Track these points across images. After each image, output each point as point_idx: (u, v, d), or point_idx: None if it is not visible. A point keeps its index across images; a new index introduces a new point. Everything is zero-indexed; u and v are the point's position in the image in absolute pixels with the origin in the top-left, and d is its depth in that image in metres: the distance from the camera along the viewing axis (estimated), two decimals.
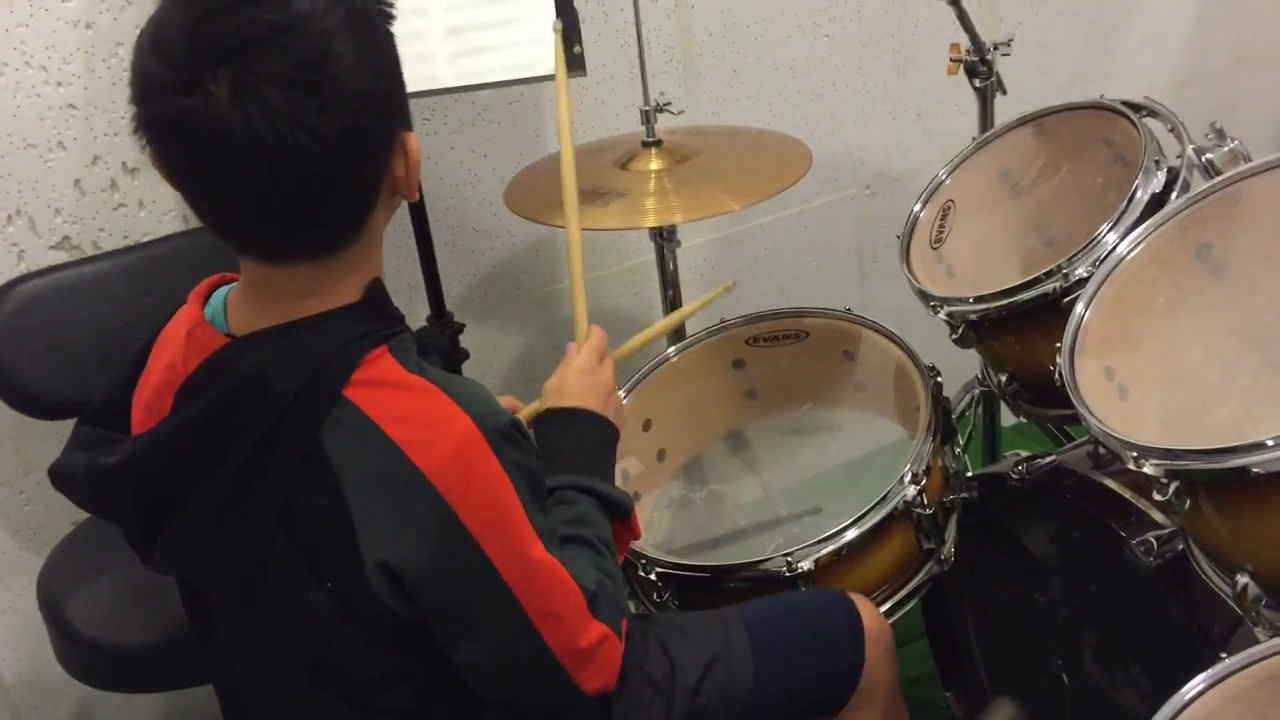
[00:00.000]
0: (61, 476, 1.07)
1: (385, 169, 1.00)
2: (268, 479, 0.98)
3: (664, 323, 1.62)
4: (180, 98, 0.90)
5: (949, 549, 1.52)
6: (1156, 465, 1.13)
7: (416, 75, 1.69)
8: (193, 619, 1.17)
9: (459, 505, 0.98)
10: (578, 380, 1.29)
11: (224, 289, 1.08)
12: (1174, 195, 1.43)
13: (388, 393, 0.99)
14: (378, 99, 0.96)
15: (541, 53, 1.65)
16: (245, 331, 1.01)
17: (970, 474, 1.59)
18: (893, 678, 1.37)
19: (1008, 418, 2.14)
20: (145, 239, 1.85)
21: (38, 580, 1.70)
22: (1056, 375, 1.30)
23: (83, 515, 1.82)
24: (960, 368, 2.07)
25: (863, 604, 1.36)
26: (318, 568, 1.01)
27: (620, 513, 1.22)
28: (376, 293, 1.04)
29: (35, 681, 2.00)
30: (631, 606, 1.55)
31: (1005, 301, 1.49)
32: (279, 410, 0.96)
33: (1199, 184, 1.41)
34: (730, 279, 1.64)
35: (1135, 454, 1.15)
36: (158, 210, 1.86)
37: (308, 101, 0.90)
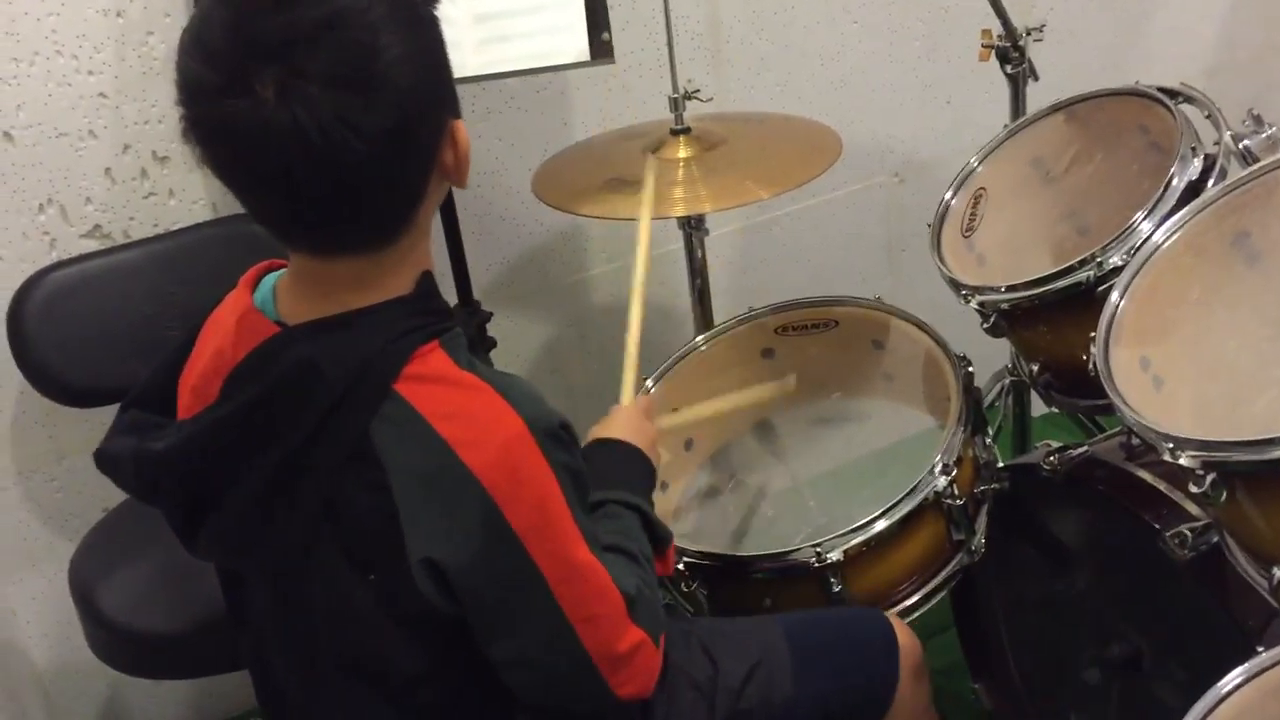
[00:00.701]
0: (107, 460, 1.07)
1: (434, 160, 0.99)
2: (314, 472, 0.97)
3: (717, 405, 1.63)
4: (227, 100, 0.89)
5: (979, 540, 1.51)
6: (1193, 457, 1.12)
7: None
8: (231, 606, 1.17)
9: (505, 505, 0.97)
10: (628, 421, 1.34)
11: (273, 275, 1.08)
12: (1211, 183, 1.41)
13: (438, 389, 0.98)
14: (425, 90, 0.95)
15: (568, 41, 1.65)
16: (295, 321, 1.01)
17: (1001, 464, 1.57)
18: (925, 696, 1.37)
19: (1037, 408, 2.12)
20: (175, 227, 1.86)
21: (69, 566, 1.71)
22: (1090, 365, 1.28)
23: (114, 502, 1.83)
24: (990, 357, 2.05)
25: (895, 622, 1.36)
26: (361, 562, 1.01)
27: (660, 543, 1.22)
28: (427, 286, 1.04)
29: (66, 667, 2.02)
30: (661, 597, 1.55)
31: (1038, 290, 1.48)
32: (328, 403, 0.96)
33: (1236, 171, 1.39)
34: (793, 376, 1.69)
35: (1171, 445, 1.13)
36: (188, 199, 1.87)
37: (354, 100, 0.89)
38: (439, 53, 0.99)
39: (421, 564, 0.98)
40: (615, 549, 1.13)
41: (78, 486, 1.92)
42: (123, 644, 1.61)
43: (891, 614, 1.39)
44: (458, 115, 1.02)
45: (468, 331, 1.85)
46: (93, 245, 1.82)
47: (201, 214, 1.88)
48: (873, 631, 1.34)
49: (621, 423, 1.34)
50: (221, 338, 1.04)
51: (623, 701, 1.09)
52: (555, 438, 1.01)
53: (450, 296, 1.90)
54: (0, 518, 1.91)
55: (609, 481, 1.22)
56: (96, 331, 1.72)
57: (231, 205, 1.88)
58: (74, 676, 2.03)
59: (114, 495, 1.82)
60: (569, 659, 1.04)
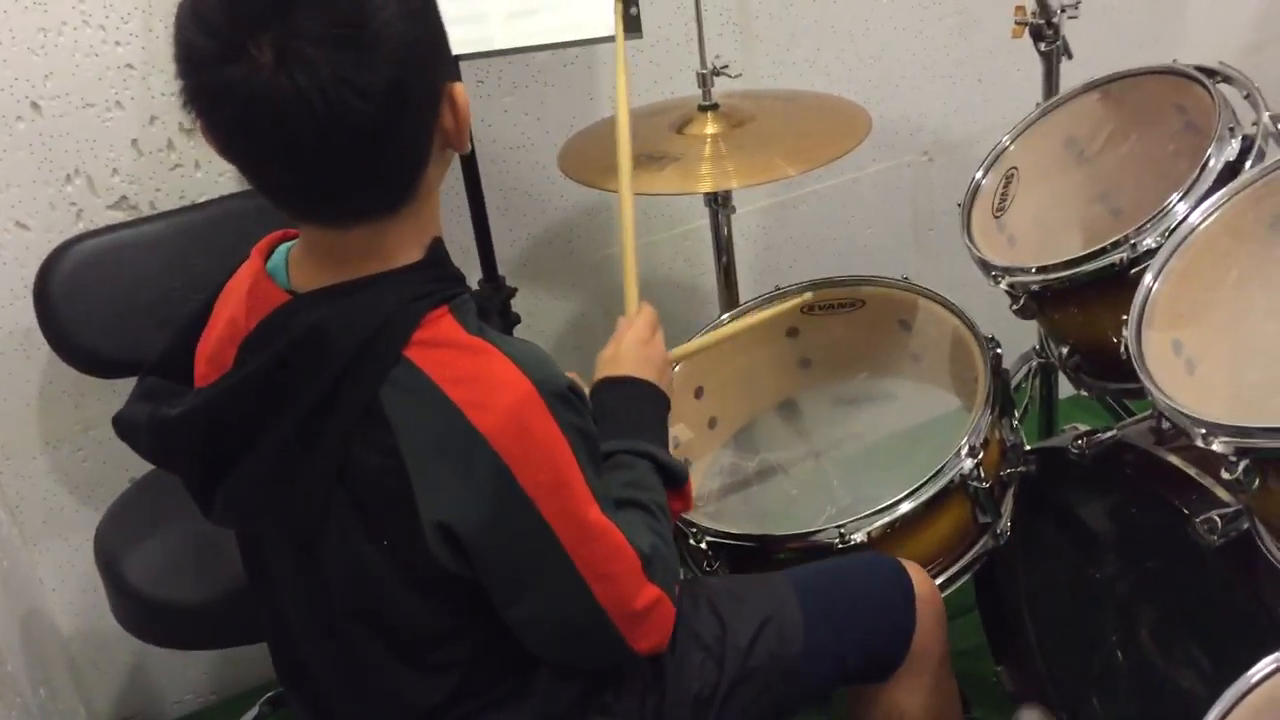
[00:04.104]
0: (125, 426, 1.09)
1: (434, 122, 1.00)
2: (326, 437, 0.98)
3: (729, 329, 1.64)
4: (225, 67, 0.89)
5: (1005, 523, 1.50)
6: (1226, 443, 1.10)
7: (472, 36, 1.67)
8: (249, 570, 1.18)
9: (516, 467, 0.98)
10: (632, 351, 1.31)
11: (287, 245, 1.08)
12: (1249, 164, 1.39)
13: (448, 353, 0.99)
14: (422, 50, 0.95)
15: (597, 14, 1.63)
16: (306, 289, 1.01)
17: (1029, 447, 1.56)
18: (943, 646, 1.36)
19: (1064, 390, 2.10)
20: (201, 199, 1.86)
21: (95, 536, 1.72)
22: (1122, 348, 1.27)
23: (140, 472, 1.84)
24: (1016, 338, 2.03)
25: (914, 570, 1.35)
26: (374, 525, 1.02)
27: (675, 481, 1.22)
28: (438, 253, 1.04)
29: (92, 635, 2.04)
30: (681, 574, 1.54)
31: (1069, 272, 1.46)
32: (339, 369, 0.96)
33: (1275, 153, 1.37)
34: (809, 295, 1.69)
35: (1204, 431, 1.12)
36: (213, 171, 1.87)
37: (351, 58, 0.89)
38: (432, 12, 0.99)
39: (434, 527, 0.99)
40: (628, 503, 1.13)
41: (104, 457, 1.94)
42: (147, 614, 1.62)
43: (909, 561, 1.36)
44: (456, 78, 1.02)
45: (492, 308, 1.85)
46: (119, 216, 1.82)
47: (227, 186, 1.88)
48: (887, 579, 1.33)
49: (627, 351, 1.31)
50: (235, 306, 1.05)
51: (640, 655, 1.10)
52: (563, 399, 1.01)
53: (475, 272, 1.90)
54: (27, 487, 1.92)
55: (617, 428, 1.21)
56: (123, 302, 1.72)
57: None
58: (99, 645, 2.05)
59: (140, 466, 1.83)
60: (587, 617, 1.05)
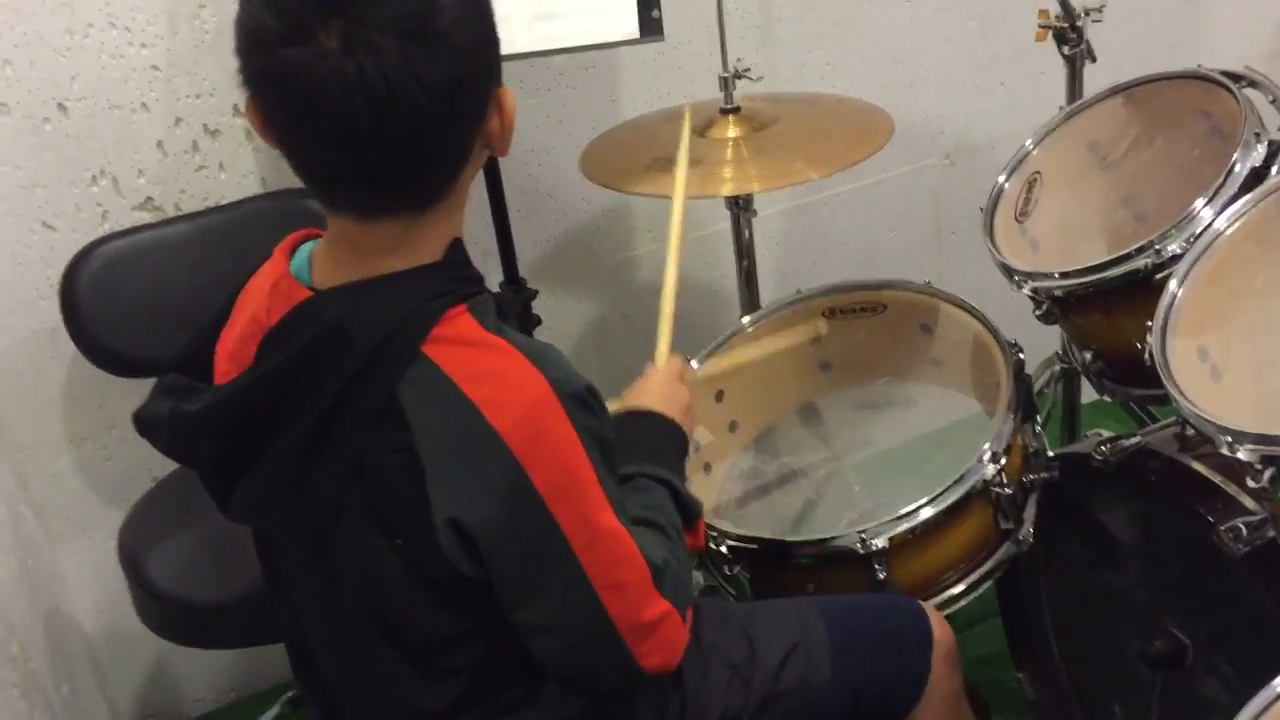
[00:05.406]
0: (145, 422, 1.09)
1: (482, 124, 1.01)
2: (343, 433, 0.99)
3: (750, 354, 1.65)
4: (289, 48, 0.90)
5: (1027, 529, 1.49)
6: (1251, 450, 1.10)
7: None
8: (267, 569, 1.19)
9: (530, 466, 0.98)
10: (659, 389, 1.32)
11: (310, 244, 1.09)
12: (1274, 170, 1.39)
13: (466, 351, 0.99)
14: (480, 52, 0.98)
15: (619, 18, 1.64)
16: (328, 286, 1.02)
17: (1051, 453, 1.55)
18: (957, 686, 1.36)
19: (1086, 395, 2.09)
20: (225, 201, 1.87)
21: (118, 535, 1.73)
22: (1147, 355, 1.26)
23: (163, 471, 1.86)
24: (1039, 343, 2.02)
25: (930, 613, 1.35)
26: (388, 524, 1.02)
27: (689, 516, 1.22)
28: (458, 253, 1.05)
29: (115, 633, 2.05)
30: (701, 579, 1.55)
31: (1093, 278, 1.46)
32: (358, 365, 0.97)
33: None
34: (825, 328, 1.73)
35: (1229, 438, 1.11)
36: (237, 172, 1.88)
37: (417, 51, 0.91)
38: (490, 19, 1.01)
39: (447, 524, 0.99)
40: (644, 522, 1.13)
41: (128, 456, 1.95)
42: (170, 613, 1.63)
43: (927, 604, 1.38)
44: (501, 84, 1.03)
45: (513, 309, 1.86)
46: (144, 217, 1.84)
47: (251, 188, 1.89)
48: (908, 621, 1.33)
49: (653, 390, 1.33)
50: (257, 304, 1.05)
51: (647, 674, 1.09)
52: (581, 401, 1.02)
53: (496, 274, 1.90)
54: (52, 486, 1.93)
55: (638, 454, 1.21)
56: (147, 303, 1.73)
57: (280, 180, 1.89)
58: (122, 643, 2.06)
59: (163, 465, 1.85)
60: (594, 626, 1.04)
